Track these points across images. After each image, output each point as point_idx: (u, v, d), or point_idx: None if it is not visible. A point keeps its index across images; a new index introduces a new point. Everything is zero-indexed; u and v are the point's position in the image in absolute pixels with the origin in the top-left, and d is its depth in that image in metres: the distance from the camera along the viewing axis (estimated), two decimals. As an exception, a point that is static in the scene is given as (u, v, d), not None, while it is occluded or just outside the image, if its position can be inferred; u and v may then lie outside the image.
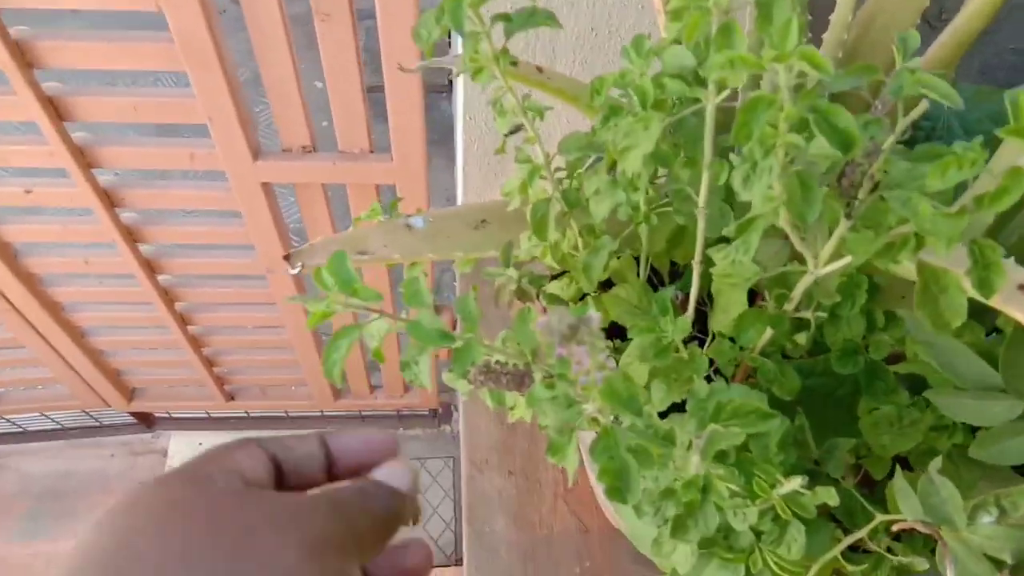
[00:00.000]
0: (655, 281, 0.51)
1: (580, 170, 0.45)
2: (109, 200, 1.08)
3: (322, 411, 1.91)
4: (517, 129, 0.43)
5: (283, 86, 0.93)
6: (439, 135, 2.36)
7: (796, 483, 0.31)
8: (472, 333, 0.33)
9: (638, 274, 0.47)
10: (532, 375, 0.34)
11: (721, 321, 0.41)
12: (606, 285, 0.46)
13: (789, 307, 0.37)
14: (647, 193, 0.39)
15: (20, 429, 1.91)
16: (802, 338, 0.38)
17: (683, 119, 0.37)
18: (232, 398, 1.74)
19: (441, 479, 2.00)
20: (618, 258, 0.45)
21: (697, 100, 0.34)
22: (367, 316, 0.33)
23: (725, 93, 0.34)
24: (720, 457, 0.32)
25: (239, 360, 1.60)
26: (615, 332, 0.49)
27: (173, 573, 0.26)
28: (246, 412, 1.89)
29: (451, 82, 2.30)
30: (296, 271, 0.46)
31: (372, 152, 1.03)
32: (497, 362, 0.34)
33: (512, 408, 0.44)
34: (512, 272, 0.42)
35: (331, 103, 0.95)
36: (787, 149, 0.29)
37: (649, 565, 0.71)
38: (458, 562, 1.84)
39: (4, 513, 1.91)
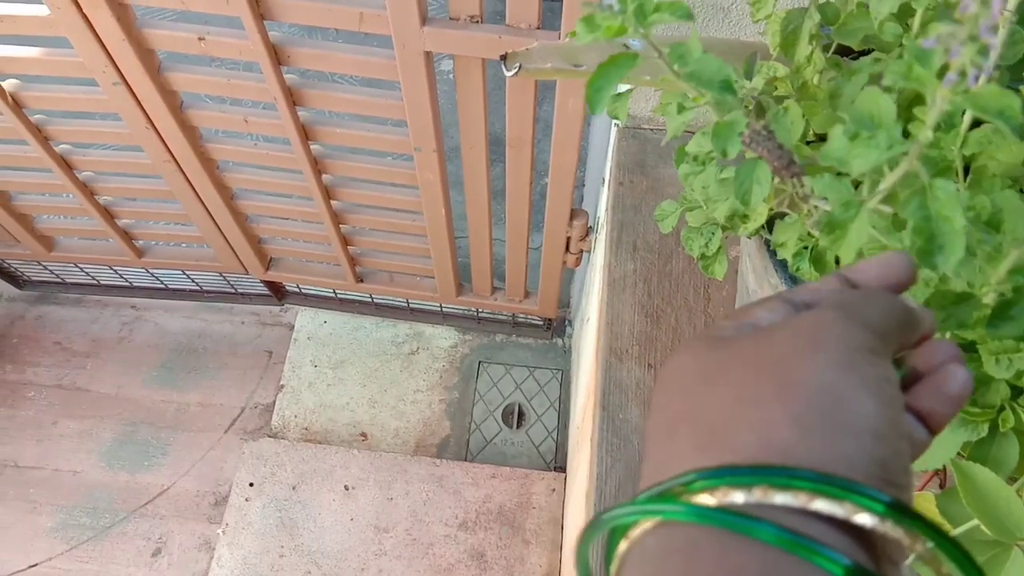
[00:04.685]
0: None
1: (843, -17, 0.40)
2: (276, 56, 1.10)
3: (441, 306, 1.94)
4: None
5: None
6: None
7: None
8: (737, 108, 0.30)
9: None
10: (799, 163, 0.31)
11: None
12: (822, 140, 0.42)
13: None
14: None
15: (162, 285, 2.03)
16: None
17: None
18: (361, 280, 1.79)
19: (548, 389, 2.01)
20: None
21: None
22: (644, 49, 0.30)
23: None
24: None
25: (373, 242, 1.63)
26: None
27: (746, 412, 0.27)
28: (371, 296, 1.94)
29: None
30: (512, 73, 0.44)
31: (540, 28, 1.00)
32: (770, 130, 0.31)
33: (744, 221, 0.40)
34: (758, 82, 0.39)
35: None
36: None
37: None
38: (558, 469, 1.86)
39: (141, 361, 2.05)
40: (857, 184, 0.32)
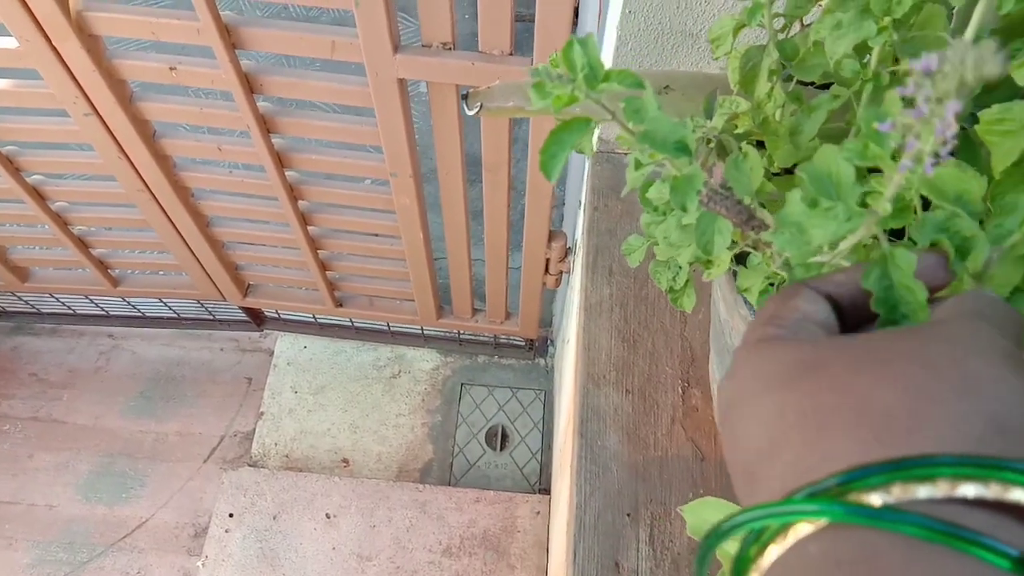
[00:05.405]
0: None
1: (803, 17, 0.40)
2: (249, 84, 1.09)
3: (423, 329, 1.93)
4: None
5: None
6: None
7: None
8: (694, 164, 0.29)
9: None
10: (758, 215, 0.30)
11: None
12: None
13: None
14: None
15: (139, 313, 2.01)
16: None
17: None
18: (341, 305, 1.77)
19: (531, 410, 2.00)
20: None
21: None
22: (599, 114, 0.30)
23: None
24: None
25: (352, 267, 1.62)
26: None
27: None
28: (351, 321, 1.93)
29: None
30: (473, 113, 0.44)
31: (512, 55, 1.00)
32: (729, 189, 0.30)
33: (708, 267, 0.40)
34: (718, 122, 0.39)
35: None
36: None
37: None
38: (543, 491, 1.85)
39: (118, 391, 2.02)
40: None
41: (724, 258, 0.39)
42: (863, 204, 0.26)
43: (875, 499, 0.23)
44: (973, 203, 0.25)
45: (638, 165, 0.32)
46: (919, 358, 0.25)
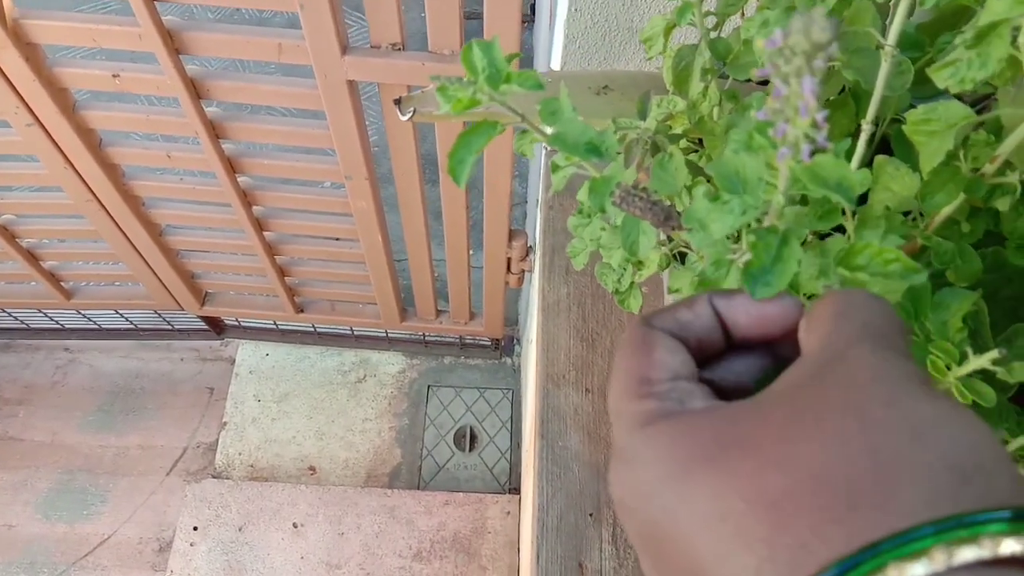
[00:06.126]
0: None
1: (733, 16, 0.40)
2: (195, 90, 1.07)
3: (387, 331, 1.92)
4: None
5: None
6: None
7: (989, 357, 0.26)
8: (614, 161, 0.29)
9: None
10: (678, 214, 0.30)
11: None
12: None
13: (990, 168, 0.32)
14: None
15: (95, 325, 1.97)
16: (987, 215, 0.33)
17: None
18: (302, 310, 1.75)
19: (499, 409, 2.00)
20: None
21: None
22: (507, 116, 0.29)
23: None
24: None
25: (311, 272, 1.60)
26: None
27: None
28: (313, 326, 1.90)
29: None
30: (407, 118, 0.43)
31: (463, 54, 0.99)
32: (643, 189, 0.30)
33: (639, 267, 0.40)
34: (651, 123, 0.38)
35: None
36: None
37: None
38: (512, 491, 1.84)
39: (76, 405, 1.98)
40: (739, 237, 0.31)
41: (653, 258, 0.39)
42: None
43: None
44: (851, 189, 0.24)
45: (555, 168, 0.32)
46: (850, 411, 0.23)
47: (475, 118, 0.28)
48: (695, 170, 0.41)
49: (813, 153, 0.23)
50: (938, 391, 0.24)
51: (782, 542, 0.22)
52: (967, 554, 0.20)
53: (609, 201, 0.29)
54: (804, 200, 0.28)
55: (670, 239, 0.33)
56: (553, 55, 1.03)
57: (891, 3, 0.39)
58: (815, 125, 0.22)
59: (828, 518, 0.21)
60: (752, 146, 0.24)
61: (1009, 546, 0.20)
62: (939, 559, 0.20)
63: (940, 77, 0.30)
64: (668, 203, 0.29)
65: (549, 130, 0.29)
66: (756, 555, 0.22)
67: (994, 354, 0.26)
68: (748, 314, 0.28)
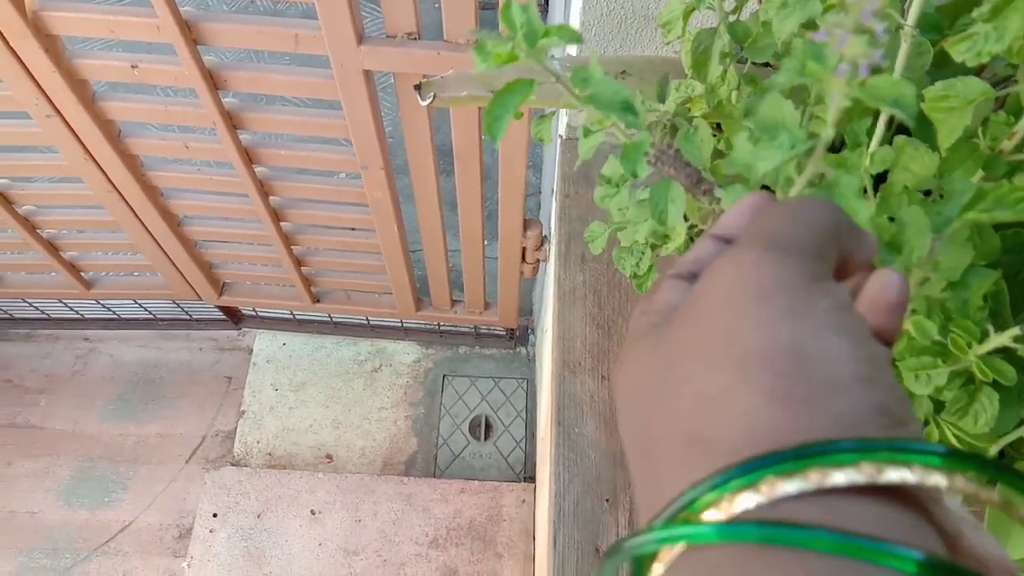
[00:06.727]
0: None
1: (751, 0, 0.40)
2: (213, 81, 1.08)
3: (402, 321, 1.93)
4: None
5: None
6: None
7: (1010, 335, 0.27)
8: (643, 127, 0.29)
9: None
10: (709, 180, 0.30)
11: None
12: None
13: (1008, 145, 0.32)
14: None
15: (114, 316, 1.99)
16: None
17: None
18: (318, 300, 1.76)
19: (514, 399, 2.00)
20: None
21: None
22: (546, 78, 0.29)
23: None
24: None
25: (328, 262, 1.61)
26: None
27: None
28: (329, 316, 1.91)
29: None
30: (427, 103, 0.43)
31: (479, 43, 0.99)
32: (677, 149, 0.30)
33: (666, 241, 0.40)
34: (670, 105, 0.38)
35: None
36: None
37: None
38: (528, 479, 1.85)
39: (96, 395, 2.00)
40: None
41: (680, 230, 0.39)
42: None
43: (748, 500, 0.21)
44: (910, 106, 0.24)
45: (587, 133, 0.32)
46: (697, 346, 0.25)
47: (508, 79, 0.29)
48: (715, 154, 0.41)
49: (871, 72, 0.23)
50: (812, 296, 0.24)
51: (644, 484, 0.25)
52: (840, 478, 0.21)
53: (643, 163, 0.29)
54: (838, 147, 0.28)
55: (686, 218, 0.33)
56: (568, 45, 1.03)
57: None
58: (873, 40, 0.22)
59: (670, 468, 0.24)
60: (805, 72, 0.24)
61: (891, 475, 0.21)
62: (814, 479, 0.21)
63: (957, 51, 0.30)
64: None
65: (582, 93, 0.29)
66: (641, 487, 0.25)
67: (1015, 331, 0.26)
68: (740, 212, 0.29)
